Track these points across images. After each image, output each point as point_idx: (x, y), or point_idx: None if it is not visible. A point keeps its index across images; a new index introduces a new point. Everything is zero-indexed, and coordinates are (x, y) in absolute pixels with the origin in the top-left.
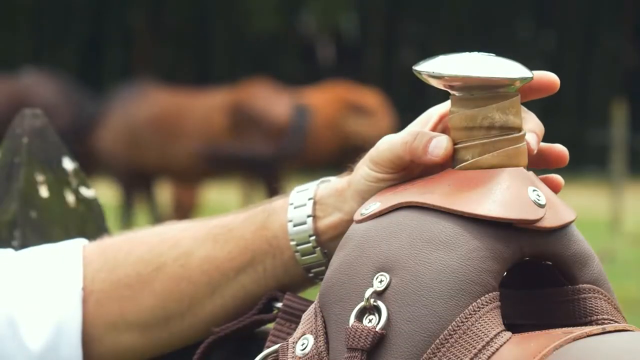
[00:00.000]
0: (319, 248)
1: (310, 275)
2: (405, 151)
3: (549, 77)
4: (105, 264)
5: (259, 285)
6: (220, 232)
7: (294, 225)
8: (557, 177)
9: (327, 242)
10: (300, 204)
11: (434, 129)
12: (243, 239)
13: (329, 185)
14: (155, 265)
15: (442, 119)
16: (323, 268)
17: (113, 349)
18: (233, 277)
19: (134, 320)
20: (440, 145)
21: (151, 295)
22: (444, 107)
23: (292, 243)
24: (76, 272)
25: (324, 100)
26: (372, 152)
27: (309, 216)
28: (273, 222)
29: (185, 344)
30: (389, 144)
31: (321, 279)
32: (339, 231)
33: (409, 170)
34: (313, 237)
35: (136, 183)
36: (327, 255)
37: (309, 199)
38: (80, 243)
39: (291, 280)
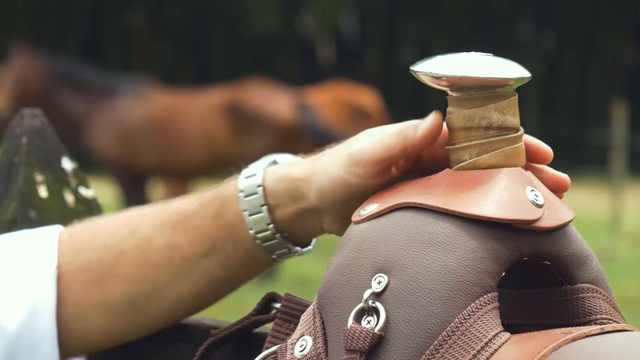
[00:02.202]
0: (278, 234)
1: (274, 257)
2: (399, 137)
3: (545, 149)
4: (71, 249)
5: (223, 269)
6: (177, 219)
7: (250, 215)
8: (564, 177)
9: (287, 227)
10: (251, 192)
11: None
12: (202, 227)
13: (280, 172)
14: (117, 251)
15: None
16: (286, 250)
17: (84, 332)
18: (196, 262)
19: (100, 304)
20: (426, 120)
21: (115, 280)
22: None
23: (251, 232)
24: (51, 254)
25: (323, 100)
26: (353, 149)
27: (262, 205)
28: (228, 211)
29: (157, 328)
30: (376, 137)
31: (286, 258)
32: (299, 218)
33: (388, 174)
34: (271, 225)
35: (135, 183)
36: (289, 239)
37: (258, 185)
38: (57, 229)
39: (255, 262)
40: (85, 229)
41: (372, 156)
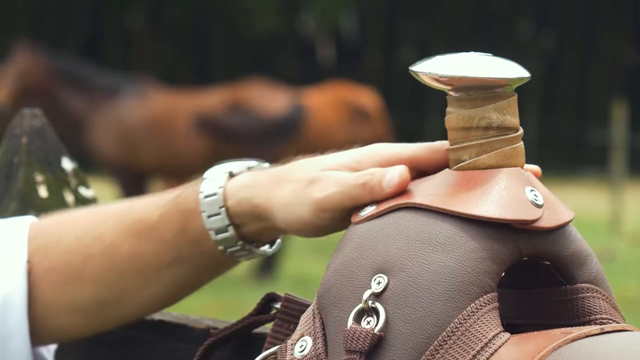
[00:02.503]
0: (248, 245)
1: (242, 260)
2: (365, 191)
3: (534, 168)
4: (38, 250)
5: (191, 274)
6: (140, 229)
7: (217, 234)
8: (535, 168)
9: (255, 239)
10: (214, 213)
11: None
12: (166, 239)
13: (241, 194)
14: (83, 256)
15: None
16: (255, 254)
17: (55, 328)
18: (163, 270)
19: (69, 304)
20: (393, 174)
21: (82, 284)
22: (387, 147)
23: (220, 248)
24: (21, 248)
25: (323, 100)
26: (318, 197)
27: (228, 225)
28: (193, 226)
29: (129, 322)
30: (341, 187)
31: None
32: (266, 232)
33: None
34: (240, 242)
35: (135, 182)
36: (257, 246)
37: (220, 207)
38: (28, 220)
39: (224, 265)
40: (52, 229)
41: (339, 206)
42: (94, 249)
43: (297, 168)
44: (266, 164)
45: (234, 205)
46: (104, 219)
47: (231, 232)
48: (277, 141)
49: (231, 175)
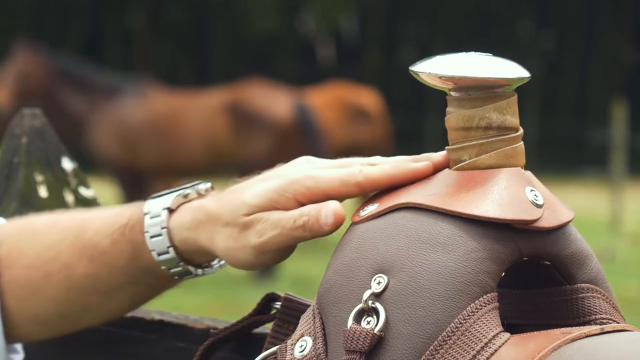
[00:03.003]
0: (201, 270)
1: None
2: (306, 232)
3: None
4: (1, 260)
5: (149, 291)
6: (93, 253)
7: (170, 268)
8: None
9: (206, 265)
10: (163, 251)
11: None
12: (118, 265)
13: (185, 235)
14: (42, 274)
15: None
16: (208, 273)
17: (19, 334)
18: (120, 289)
19: (32, 317)
20: (327, 213)
21: (43, 300)
22: (307, 174)
23: (176, 277)
24: None
25: (324, 100)
26: (257, 242)
27: (179, 262)
28: (144, 256)
29: (94, 326)
30: (279, 230)
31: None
32: (213, 257)
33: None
34: (193, 272)
35: (135, 182)
36: (212, 270)
37: (169, 247)
38: None
39: (179, 282)
40: (15, 240)
41: (281, 247)
42: (53, 267)
43: (227, 207)
44: (201, 186)
45: (181, 244)
46: (62, 237)
47: (183, 265)
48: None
49: (170, 210)
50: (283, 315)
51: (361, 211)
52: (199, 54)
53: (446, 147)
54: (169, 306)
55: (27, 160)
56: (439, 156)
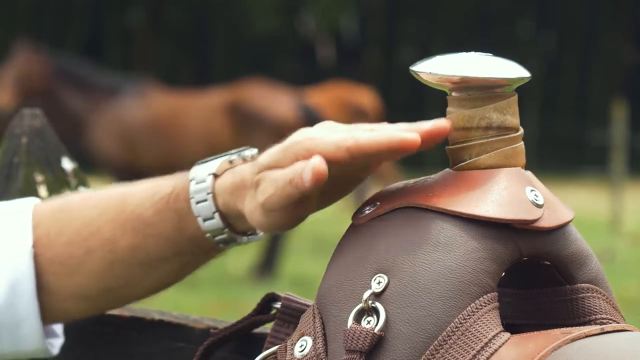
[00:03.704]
0: (246, 238)
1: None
2: (293, 188)
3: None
4: (40, 239)
5: (193, 262)
6: (137, 225)
7: (214, 236)
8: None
9: (249, 233)
10: (209, 217)
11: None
12: (164, 235)
13: (226, 200)
14: (84, 250)
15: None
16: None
17: (64, 312)
18: (165, 261)
19: (75, 293)
20: (307, 169)
21: (86, 275)
22: (309, 135)
23: (221, 246)
24: (27, 232)
25: (323, 100)
26: (260, 199)
27: (224, 229)
28: (189, 225)
29: (137, 301)
30: (274, 188)
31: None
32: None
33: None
34: (238, 238)
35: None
36: (256, 238)
37: (214, 212)
38: (31, 202)
39: (224, 249)
40: (53, 218)
41: (280, 205)
42: (94, 242)
43: (250, 170)
44: (247, 152)
45: (224, 209)
46: (101, 212)
47: (228, 232)
48: None
49: (215, 176)
50: (283, 315)
51: (361, 211)
52: (199, 54)
53: (446, 147)
54: (169, 306)
55: (27, 160)
56: (428, 125)
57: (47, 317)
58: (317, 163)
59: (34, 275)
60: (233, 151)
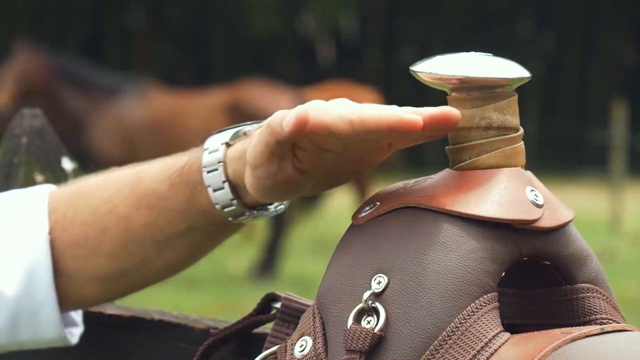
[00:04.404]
0: (255, 212)
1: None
2: (269, 133)
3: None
4: (57, 223)
5: (207, 239)
6: (151, 201)
7: (223, 208)
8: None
9: (261, 205)
10: (219, 187)
11: None
12: (177, 210)
13: (236, 167)
14: (100, 229)
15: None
16: (264, 216)
17: (82, 296)
18: (178, 238)
19: (92, 276)
20: (292, 114)
21: (102, 256)
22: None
23: (230, 218)
24: (42, 219)
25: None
26: (248, 155)
27: (233, 199)
28: (201, 198)
29: (154, 284)
30: (257, 137)
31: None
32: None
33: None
34: (246, 211)
35: None
36: (266, 213)
37: (224, 181)
38: (47, 188)
39: (236, 227)
40: (69, 201)
41: (261, 158)
42: (110, 221)
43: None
44: (262, 124)
45: (233, 177)
46: (116, 190)
47: (237, 204)
48: None
49: (228, 145)
50: (283, 315)
51: (361, 211)
52: (199, 54)
53: (446, 147)
54: (169, 306)
55: (27, 160)
56: (435, 110)
57: (63, 302)
58: (302, 110)
59: (51, 261)
60: (248, 122)
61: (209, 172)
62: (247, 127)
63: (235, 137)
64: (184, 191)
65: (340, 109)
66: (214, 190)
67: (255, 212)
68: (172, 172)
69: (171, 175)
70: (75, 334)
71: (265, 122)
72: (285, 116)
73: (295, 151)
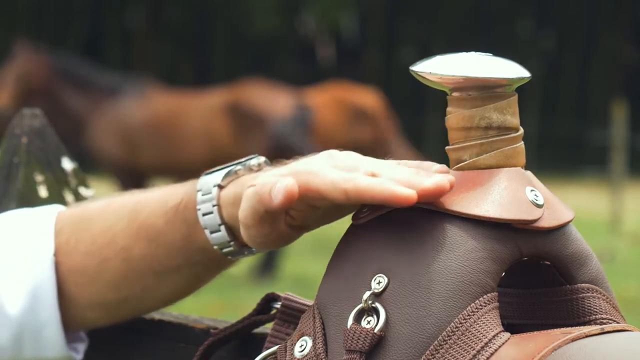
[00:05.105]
0: (255, 250)
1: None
2: (257, 201)
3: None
4: (61, 248)
5: (207, 272)
6: (150, 233)
7: (222, 248)
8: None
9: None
10: (215, 230)
11: None
12: (175, 245)
13: (231, 211)
14: (99, 259)
15: None
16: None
17: (84, 320)
18: (177, 270)
19: (94, 302)
20: (280, 186)
21: (103, 285)
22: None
23: (229, 257)
24: (48, 239)
25: (323, 100)
26: (240, 214)
27: (230, 241)
28: (198, 237)
29: (156, 310)
30: (248, 201)
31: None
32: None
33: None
34: (245, 250)
35: (136, 183)
36: (264, 249)
37: (219, 225)
38: (56, 209)
39: (235, 261)
40: (72, 227)
41: (252, 221)
42: (109, 251)
43: (249, 182)
44: (253, 161)
45: (229, 221)
46: (115, 221)
47: (234, 245)
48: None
49: (220, 187)
50: (283, 315)
51: (361, 211)
52: (199, 54)
53: (446, 147)
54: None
55: (27, 160)
56: (429, 184)
57: (67, 324)
58: (290, 184)
59: (55, 282)
60: (240, 160)
61: (204, 214)
62: (237, 167)
63: (227, 176)
64: (180, 228)
65: (334, 175)
66: (211, 232)
67: (254, 249)
68: (169, 207)
69: (167, 211)
70: (80, 350)
71: (254, 190)
72: (274, 186)
73: (289, 211)
